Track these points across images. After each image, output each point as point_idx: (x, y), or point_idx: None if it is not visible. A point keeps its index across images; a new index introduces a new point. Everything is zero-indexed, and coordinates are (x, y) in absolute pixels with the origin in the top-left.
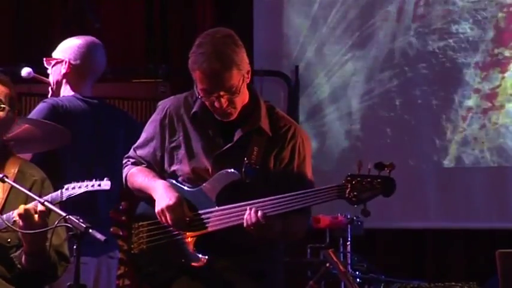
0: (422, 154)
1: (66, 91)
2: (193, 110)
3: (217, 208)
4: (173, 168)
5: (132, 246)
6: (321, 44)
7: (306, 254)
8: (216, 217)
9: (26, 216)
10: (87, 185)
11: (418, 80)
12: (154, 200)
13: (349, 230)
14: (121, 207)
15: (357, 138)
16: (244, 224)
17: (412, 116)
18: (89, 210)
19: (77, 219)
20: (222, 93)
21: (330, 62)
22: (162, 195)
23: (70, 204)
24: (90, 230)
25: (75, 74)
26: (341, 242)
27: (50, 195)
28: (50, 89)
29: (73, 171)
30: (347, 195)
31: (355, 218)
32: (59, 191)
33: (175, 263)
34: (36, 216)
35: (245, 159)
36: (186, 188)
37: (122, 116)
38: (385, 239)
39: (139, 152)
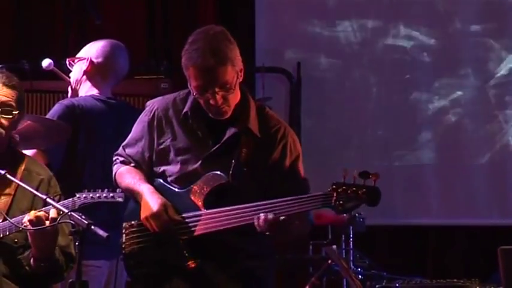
0: (424, 150)
1: (85, 89)
2: (185, 110)
3: (205, 211)
4: (162, 168)
5: (123, 246)
6: (323, 40)
7: (308, 251)
8: (204, 220)
9: (37, 223)
10: (99, 196)
11: (422, 76)
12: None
13: (351, 226)
14: None
15: (358, 134)
16: (258, 230)
17: (413, 113)
18: (110, 211)
19: (79, 215)
20: (217, 89)
21: (332, 57)
22: (146, 202)
23: (91, 208)
24: (92, 227)
25: (95, 72)
26: (343, 238)
27: (62, 202)
28: (69, 88)
29: (91, 172)
30: (333, 203)
31: (357, 214)
32: (71, 199)
33: (166, 264)
34: (47, 222)
35: (233, 161)
36: (174, 188)
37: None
38: (387, 236)
39: (128, 151)
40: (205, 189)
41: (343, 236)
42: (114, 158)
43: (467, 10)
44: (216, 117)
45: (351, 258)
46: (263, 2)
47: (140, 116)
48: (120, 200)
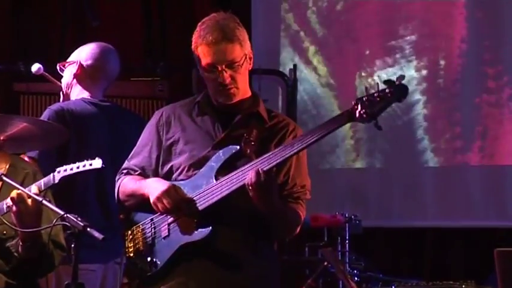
0: (421, 153)
1: (76, 92)
2: (197, 100)
3: (214, 182)
4: (170, 164)
5: (128, 251)
6: (319, 42)
7: (304, 253)
8: (215, 189)
9: (19, 200)
10: (78, 166)
11: (418, 79)
12: (145, 205)
13: (347, 228)
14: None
15: (355, 137)
16: (246, 183)
17: (411, 116)
18: (104, 216)
19: (74, 217)
20: (224, 67)
21: (329, 59)
22: (154, 186)
23: (83, 212)
24: (88, 229)
25: (85, 75)
26: (339, 240)
27: (42, 180)
28: (61, 93)
29: (84, 176)
30: (357, 115)
31: (353, 216)
32: (51, 175)
33: (175, 247)
34: (29, 200)
35: (244, 134)
36: (181, 182)
37: (133, 118)
38: (384, 238)
39: (133, 162)
40: (215, 165)
41: (339, 238)
42: (117, 177)
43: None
44: (224, 101)
45: (347, 260)
46: (259, 4)
47: (147, 125)
48: (98, 166)
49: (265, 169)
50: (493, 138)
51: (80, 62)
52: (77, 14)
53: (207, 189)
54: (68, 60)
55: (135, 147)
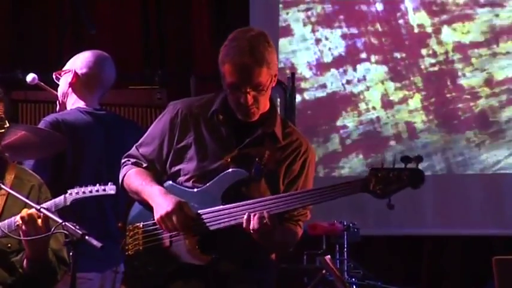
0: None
1: (71, 101)
2: (214, 108)
3: (222, 206)
4: (178, 167)
5: (127, 248)
6: (317, 50)
7: (302, 261)
8: (222, 215)
9: (29, 220)
10: (91, 190)
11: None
12: (148, 205)
13: (345, 236)
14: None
15: (352, 145)
16: (244, 224)
17: (409, 123)
18: (101, 226)
19: (73, 225)
20: (249, 89)
21: (327, 67)
22: (160, 202)
23: (81, 220)
24: (87, 237)
25: (81, 83)
26: (337, 248)
27: (53, 200)
28: (57, 102)
29: (82, 183)
30: (371, 188)
31: (351, 224)
32: (63, 196)
33: (175, 263)
34: (39, 220)
35: (256, 159)
36: (187, 189)
37: (129, 126)
38: (382, 246)
39: (142, 150)
40: (224, 185)
41: (337, 246)
42: (123, 160)
43: None
44: (244, 119)
45: (345, 268)
46: (257, 13)
47: (161, 115)
48: (112, 192)
49: (266, 216)
50: (491, 147)
51: (74, 71)
52: (74, 22)
53: (213, 213)
54: (63, 69)
55: (145, 135)
